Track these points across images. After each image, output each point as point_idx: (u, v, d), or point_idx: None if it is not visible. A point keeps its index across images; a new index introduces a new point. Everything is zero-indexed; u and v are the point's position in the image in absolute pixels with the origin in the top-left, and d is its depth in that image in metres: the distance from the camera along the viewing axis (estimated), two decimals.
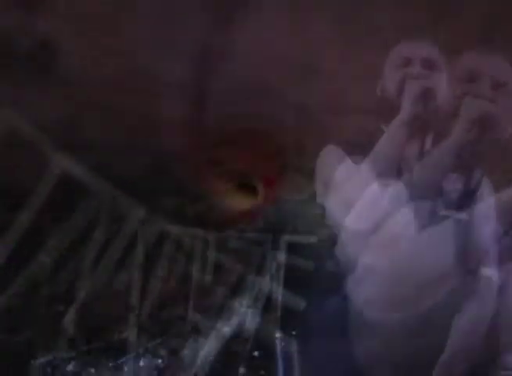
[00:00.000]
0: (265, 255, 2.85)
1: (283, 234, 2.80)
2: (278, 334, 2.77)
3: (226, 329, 2.75)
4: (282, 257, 2.82)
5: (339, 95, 2.52)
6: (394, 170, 2.01)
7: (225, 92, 2.66)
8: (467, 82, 2.05)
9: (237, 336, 2.75)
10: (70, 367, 2.66)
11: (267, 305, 2.80)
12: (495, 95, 2.04)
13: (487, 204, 2.00)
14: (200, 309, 2.82)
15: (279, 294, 2.82)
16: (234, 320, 2.77)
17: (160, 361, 2.73)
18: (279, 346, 2.77)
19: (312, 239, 2.63)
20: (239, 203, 2.72)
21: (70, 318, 2.70)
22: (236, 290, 2.83)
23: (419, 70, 2.05)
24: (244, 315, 2.78)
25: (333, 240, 2.07)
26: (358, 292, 1.95)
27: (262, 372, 2.70)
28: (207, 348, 2.72)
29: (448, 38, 2.17)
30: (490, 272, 1.93)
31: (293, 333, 2.80)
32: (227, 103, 2.64)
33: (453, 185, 2.07)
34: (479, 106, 1.99)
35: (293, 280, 2.83)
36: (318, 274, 2.11)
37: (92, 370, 2.66)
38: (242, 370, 2.70)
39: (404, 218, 1.99)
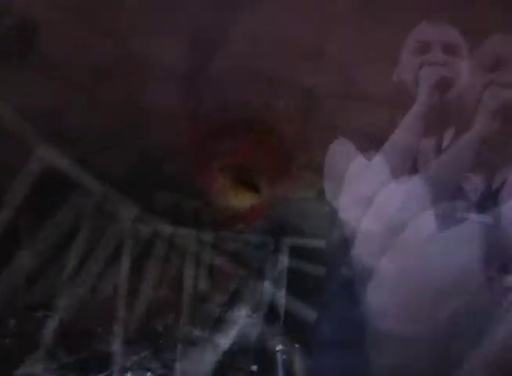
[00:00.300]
0: (266, 260, 2.83)
1: (287, 236, 2.78)
2: (279, 347, 2.75)
3: (224, 341, 2.73)
4: (285, 261, 2.81)
5: (350, 82, 2.50)
6: (408, 165, 2.01)
7: (224, 80, 2.65)
8: (491, 70, 2.05)
9: (236, 348, 2.73)
10: None
11: (268, 315, 2.79)
12: None
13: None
14: (195, 318, 2.80)
15: (282, 302, 2.80)
16: (232, 331, 2.75)
17: (148, 374, 2.72)
18: (280, 360, 2.75)
19: (320, 242, 2.62)
20: (240, 200, 2.70)
21: (50, 327, 2.69)
22: (235, 297, 2.80)
23: (438, 56, 2.05)
24: (244, 325, 2.76)
25: (344, 243, 2.07)
26: (373, 301, 1.94)
27: None
28: (204, 363, 2.70)
29: (472, 20, 2.16)
30: None
31: (297, 345, 2.79)
32: (226, 91, 2.63)
33: (474, 184, 2.06)
34: (503, 96, 1.99)
35: (300, 287, 2.81)
36: (328, 281, 2.10)
37: None
38: None
39: (422, 221, 1.98)
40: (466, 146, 1.93)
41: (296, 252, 2.79)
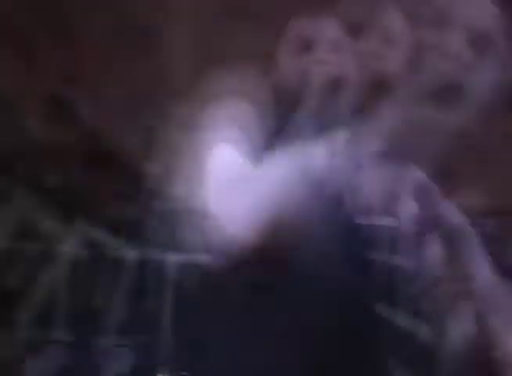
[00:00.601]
0: (148, 277, 2.73)
1: (169, 251, 2.69)
2: None
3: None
4: (170, 278, 2.72)
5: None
6: (299, 171, 1.97)
7: None
8: (305, 51, 2.03)
9: None
10: None
11: (149, 341, 2.67)
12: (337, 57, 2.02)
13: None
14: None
15: (168, 324, 2.70)
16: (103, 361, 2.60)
17: None
18: None
19: (205, 258, 2.54)
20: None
21: None
22: (101, 321, 2.66)
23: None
24: (114, 353, 2.62)
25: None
26: None
27: None
28: None
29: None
30: None
31: (184, 374, 2.67)
32: None
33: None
34: (323, 73, 1.97)
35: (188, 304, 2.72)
36: None
37: None
38: None
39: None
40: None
41: (181, 269, 2.70)
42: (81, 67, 2.38)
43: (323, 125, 1.96)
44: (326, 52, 1.92)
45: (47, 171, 2.47)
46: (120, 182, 2.47)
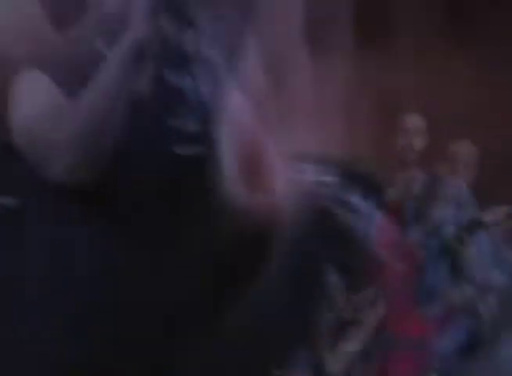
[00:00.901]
0: None
1: None
2: None
3: None
4: None
5: None
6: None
7: None
8: None
9: None
10: None
11: None
12: None
13: None
14: None
15: None
16: None
17: None
18: None
19: (9, 201, 2.35)
20: None
21: None
22: None
23: None
24: None
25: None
26: None
27: None
28: None
29: None
30: None
31: None
32: None
33: None
34: None
35: None
36: None
37: None
38: None
39: None
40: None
41: None
42: None
43: (152, 50, 1.81)
44: None
45: None
46: None
